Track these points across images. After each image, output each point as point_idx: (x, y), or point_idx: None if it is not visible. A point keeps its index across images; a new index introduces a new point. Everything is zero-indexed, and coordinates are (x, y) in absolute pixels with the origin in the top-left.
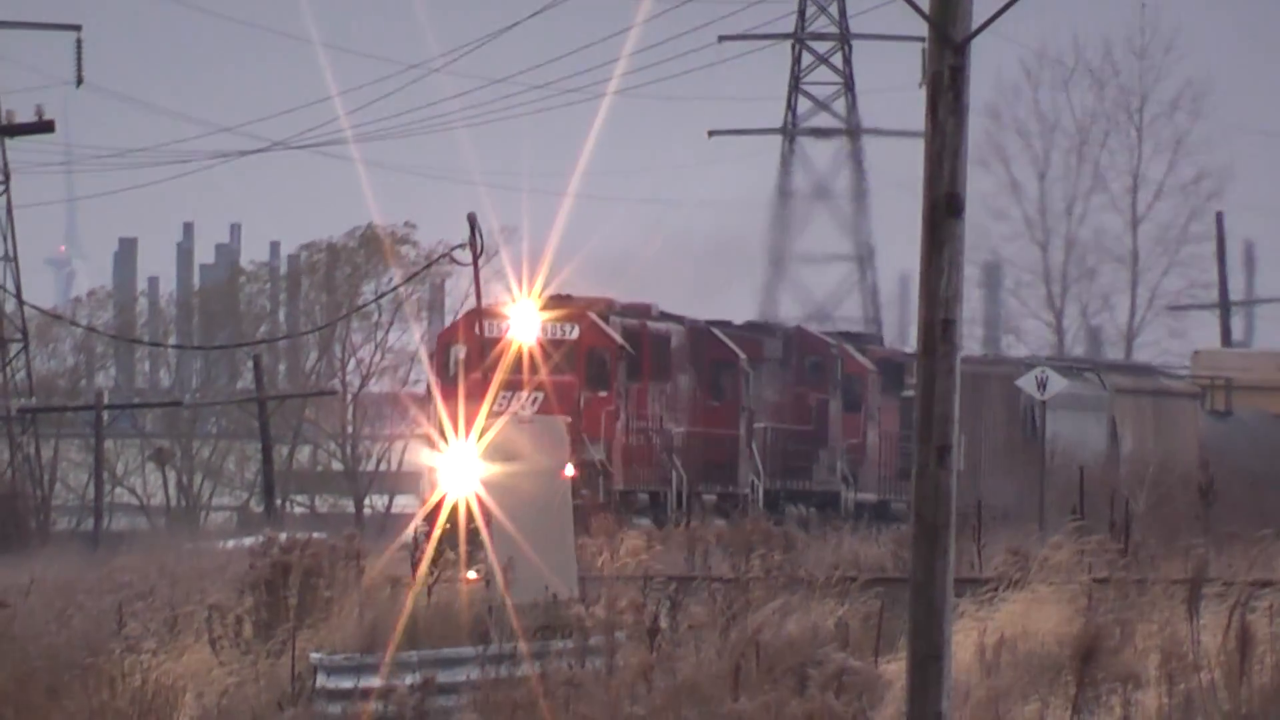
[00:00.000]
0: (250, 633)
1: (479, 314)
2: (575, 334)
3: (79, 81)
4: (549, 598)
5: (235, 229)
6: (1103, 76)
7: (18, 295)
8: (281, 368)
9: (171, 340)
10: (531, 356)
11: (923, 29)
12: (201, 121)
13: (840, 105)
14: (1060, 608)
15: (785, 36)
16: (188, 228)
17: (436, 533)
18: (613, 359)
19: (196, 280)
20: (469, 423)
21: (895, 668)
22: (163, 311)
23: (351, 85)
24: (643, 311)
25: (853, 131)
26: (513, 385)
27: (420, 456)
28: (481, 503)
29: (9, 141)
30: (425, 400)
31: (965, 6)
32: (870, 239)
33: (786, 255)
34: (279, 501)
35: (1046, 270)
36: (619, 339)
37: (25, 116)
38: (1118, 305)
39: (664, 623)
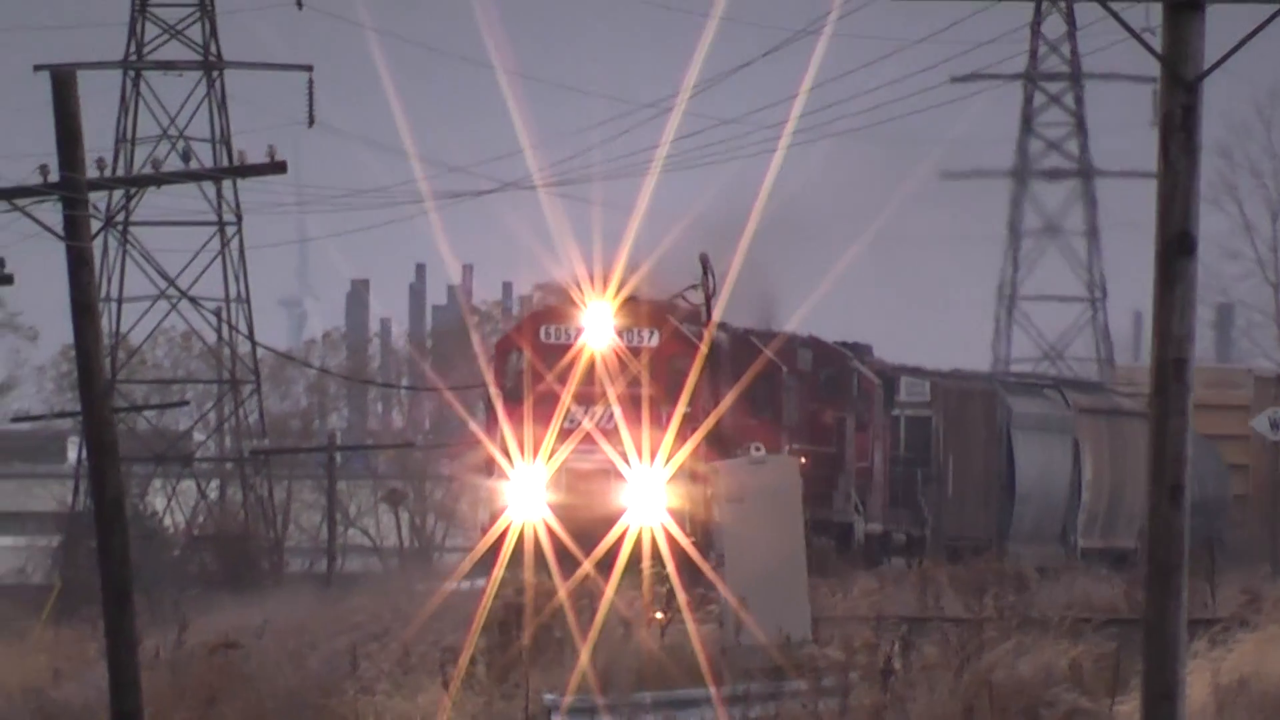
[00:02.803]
0: (484, 673)
1: (542, 317)
2: (655, 341)
3: (311, 121)
4: (782, 638)
5: (468, 269)
6: None
7: (250, 336)
8: None
9: (404, 381)
10: (605, 365)
11: (1155, 68)
12: (434, 161)
13: (1072, 145)
14: None
15: (1017, 77)
16: (420, 268)
17: (504, 560)
18: (692, 368)
19: (429, 321)
20: (536, 441)
21: (1128, 708)
22: (395, 353)
23: (585, 124)
24: (695, 315)
25: (1085, 173)
26: (584, 398)
27: (479, 478)
28: (669, 535)
29: (241, 182)
30: (485, 416)
31: (1197, 45)
32: (1103, 278)
33: (1015, 293)
34: None
35: (1279, 311)
36: (702, 347)
37: (257, 157)
38: None
39: (897, 663)
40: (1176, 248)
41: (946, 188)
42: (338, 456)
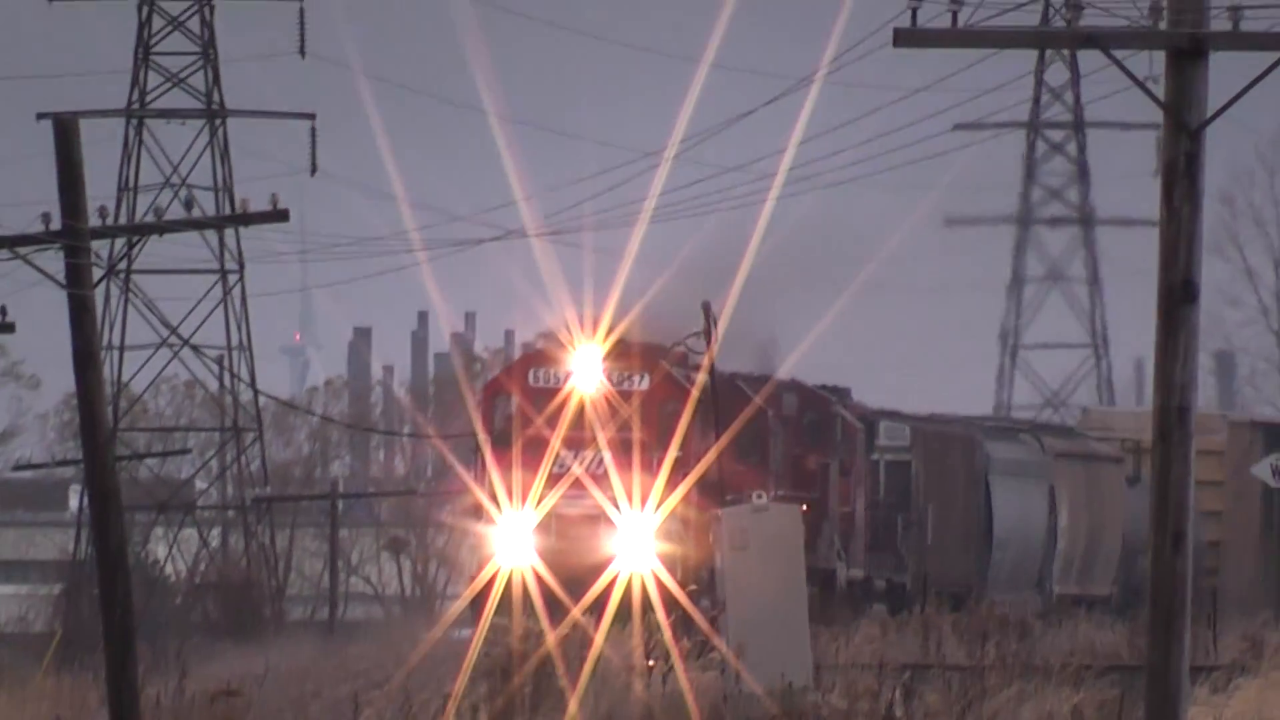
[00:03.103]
0: None
1: (531, 360)
2: (645, 384)
3: (313, 169)
4: (784, 685)
5: (470, 317)
6: None
7: (252, 384)
8: None
9: (406, 429)
10: (595, 410)
11: (1157, 116)
12: (436, 209)
13: (1073, 192)
14: None
15: (1020, 125)
16: (422, 316)
17: (491, 607)
18: (683, 412)
19: (431, 369)
20: (524, 486)
21: None
22: (398, 400)
23: (585, 173)
24: (683, 359)
25: (1087, 220)
26: (573, 443)
27: (468, 524)
28: (659, 582)
29: (243, 230)
30: (474, 461)
31: (1200, 93)
32: (1105, 325)
33: (1018, 341)
34: None
35: None
36: (694, 391)
37: (260, 205)
38: None
39: (899, 710)
40: (1179, 295)
41: (949, 234)
42: (340, 504)
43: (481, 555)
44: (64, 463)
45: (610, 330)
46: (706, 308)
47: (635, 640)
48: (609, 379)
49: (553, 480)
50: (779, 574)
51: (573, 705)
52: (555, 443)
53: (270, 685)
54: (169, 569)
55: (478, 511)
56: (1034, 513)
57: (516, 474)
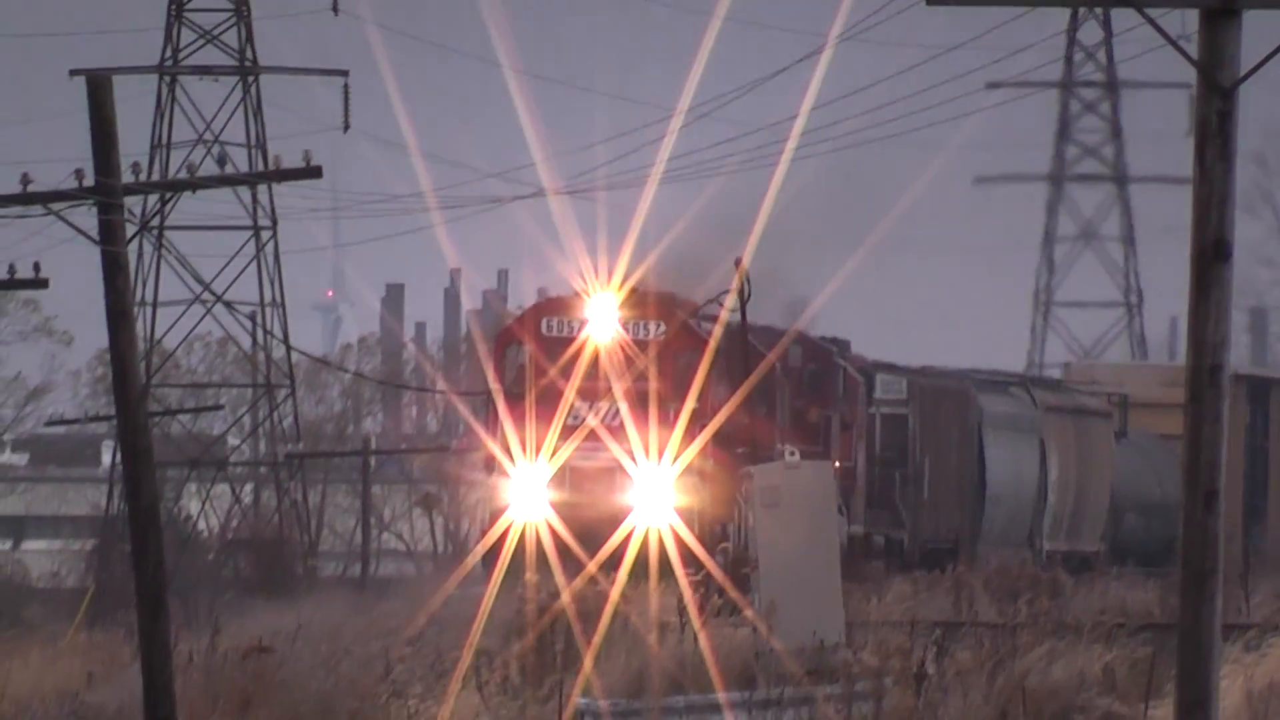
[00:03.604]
0: (518, 678)
1: (544, 308)
2: (661, 333)
3: (346, 127)
4: (816, 643)
5: (502, 274)
6: None
7: (285, 341)
8: None
9: (439, 386)
10: (609, 360)
11: (1190, 75)
12: (468, 167)
13: (1107, 151)
14: None
15: (1053, 84)
16: (455, 273)
17: (504, 562)
18: (700, 363)
19: (464, 326)
20: (538, 438)
21: (1162, 714)
22: (430, 357)
23: (622, 129)
24: (694, 310)
25: (1120, 178)
26: (588, 393)
27: (480, 476)
28: (677, 538)
29: (276, 187)
30: (485, 412)
31: (1233, 52)
32: (1138, 284)
33: (1051, 300)
34: None
35: None
36: (709, 340)
37: (292, 161)
38: None
39: (931, 668)
40: (1212, 254)
41: (980, 193)
42: (372, 461)
43: (494, 508)
44: (96, 418)
45: (625, 279)
46: (740, 264)
47: (651, 598)
48: (624, 328)
49: (567, 432)
50: (811, 531)
51: (588, 662)
52: (570, 394)
53: (302, 642)
54: (201, 525)
55: (490, 464)
56: (1026, 468)
57: (530, 425)
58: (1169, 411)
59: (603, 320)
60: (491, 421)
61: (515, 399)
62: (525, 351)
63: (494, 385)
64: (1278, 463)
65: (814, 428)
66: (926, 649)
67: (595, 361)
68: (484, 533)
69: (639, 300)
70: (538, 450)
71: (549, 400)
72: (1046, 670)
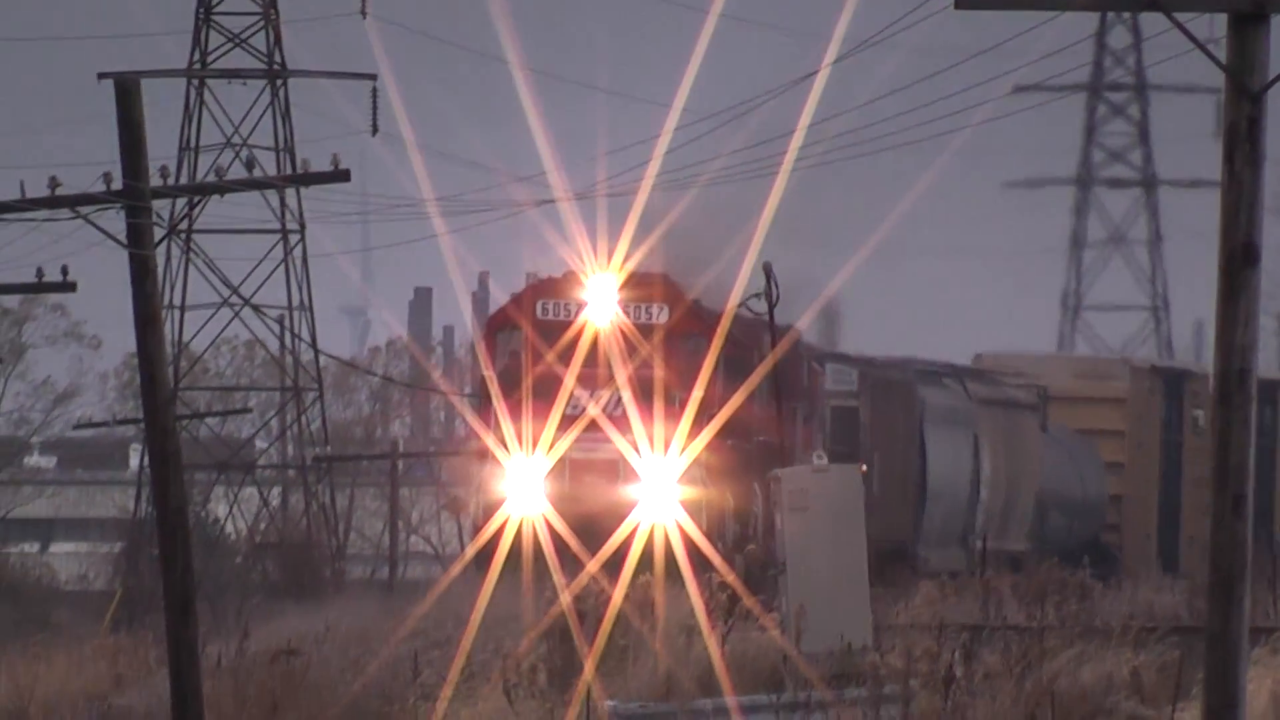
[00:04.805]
0: (545, 680)
1: (540, 290)
2: (665, 317)
3: (374, 130)
4: (844, 646)
5: (529, 278)
6: None
7: (313, 344)
8: None
9: (467, 389)
10: (609, 345)
11: (1219, 79)
12: (495, 171)
13: (1135, 155)
14: None
15: (1081, 88)
16: (482, 277)
17: (499, 560)
18: (708, 349)
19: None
20: (533, 429)
21: (1189, 716)
22: (458, 360)
23: (647, 135)
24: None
25: (1148, 182)
26: (587, 381)
27: (473, 469)
28: (683, 531)
29: (304, 190)
30: (478, 401)
31: (1262, 57)
32: (1166, 288)
33: (1080, 303)
34: None
35: None
36: (716, 324)
37: (321, 165)
38: None
39: (959, 671)
40: (1240, 258)
41: (1009, 197)
42: (400, 464)
43: (488, 503)
44: (124, 421)
45: (626, 260)
46: (768, 269)
47: (658, 599)
48: (625, 311)
49: (566, 422)
50: (839, 535)
51: (588, 668)
52: (569, 381)
53: (330, 644)
54: (229, 528)
55: (483, 456)
56: (962, 463)
57: (526, 415)
58: (1085, 405)
59: (603, 302)
60: (484, 411)
61: (510, 386)
62: (520, 336)
63: (487, 372)
64: None
65: (779, 420)
66: (954, 652)
67: (595, 347)
68: (478, 528)
69: (641, 281)
70: (535, 441)
71: (546, 388)
72: (1075, 673)
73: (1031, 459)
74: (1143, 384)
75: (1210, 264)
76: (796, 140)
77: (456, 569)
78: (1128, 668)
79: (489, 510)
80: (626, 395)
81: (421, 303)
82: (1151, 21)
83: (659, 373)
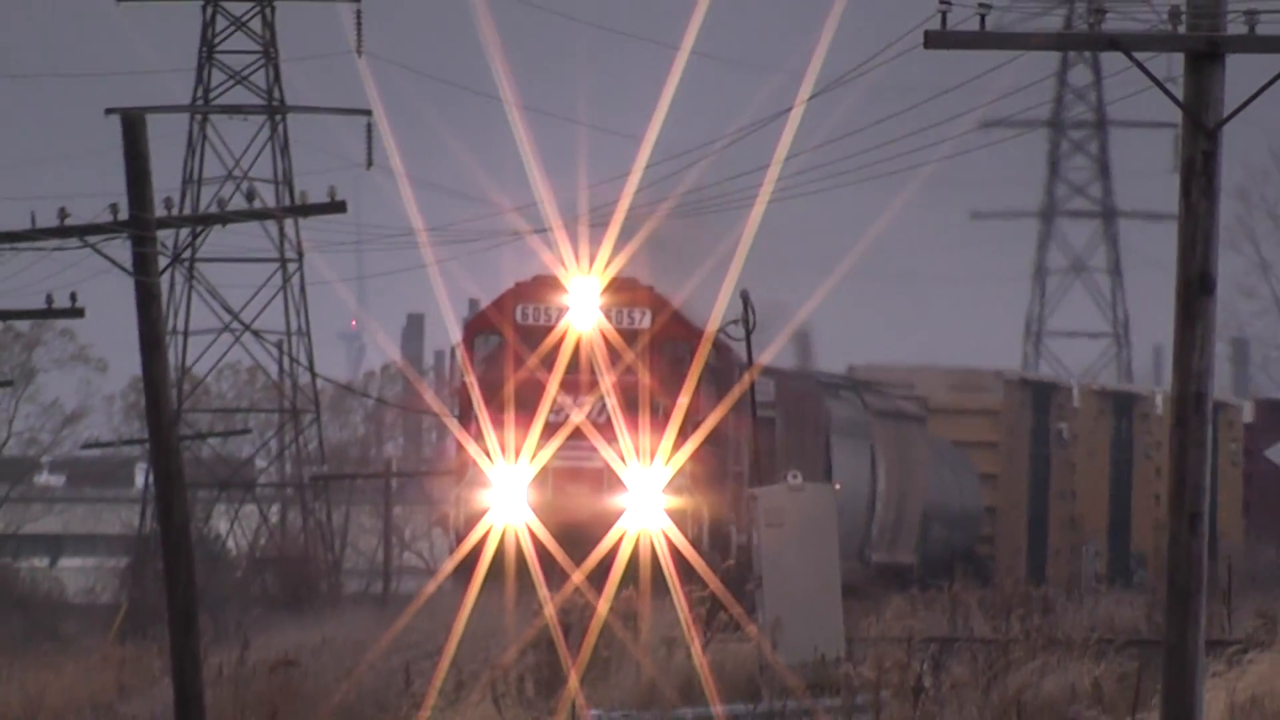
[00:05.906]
0: (532, 690)
1: (520, 294)
2: (648, 323)
3: (369, 163)
4: (818, 657)
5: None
6: None
7: (310, 368)
8: None
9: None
10: (591, 351)
11: (1177, 115)
12: (484, 202)
13: (1096, 188)
14: None
15: (1044, 124)
16: (473, 304)
17: (481, 572)
18: (694, 355)
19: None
20: (514, 437)
21: None
22: (449, 384)
23: (624, 169)
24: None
25: (1108, 214)
26: (567, 387)
27: (451, 480)
28: (672, 543)
29: (302, 221)
30: (458, 410)
31: (1218, 94)
32: (1126, 315)
33: (1042, 329)
34: None
35: None
36: (702, 330)
37: (318, 197)
38: None
39: (928, 681)
40: (1197, 287)
41: (977, 228)
42: (394, 482)
43: (469, 513)
44: (130, 441)
45: (608, 263)
46: (745, 296)
47: (646, 613)
48: (607, 316)
49: (548, 430)
50: (813, 550)
51: (573, 680)
52: (551, 387)
53: (326, 655)
54: (230, 544)
55: (464, 466)
56: (862, 476)
57: (508, 423)
58: (960, 417)
59: (585, 306)
60: (464, 419)
61: (490, 393)
62: (499, 341)
63: (467, 378)
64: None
65: (718, 430)
66: (923, 663)
67: (577, 353)
68: (459, 539)
69: (623, 286)
70: (516, 450)
71: (527, 394)
72: (1039, 684)
73: (920, 471)
74: (1014, 396)
75: (1169, 292)
76: (772, 174)
77: (434, 583)
78: (1089, 678)
79: (470, 521)
80: (610, 402)
81: (414, 328)
82: (1112, 60)
83: (643, 379)
